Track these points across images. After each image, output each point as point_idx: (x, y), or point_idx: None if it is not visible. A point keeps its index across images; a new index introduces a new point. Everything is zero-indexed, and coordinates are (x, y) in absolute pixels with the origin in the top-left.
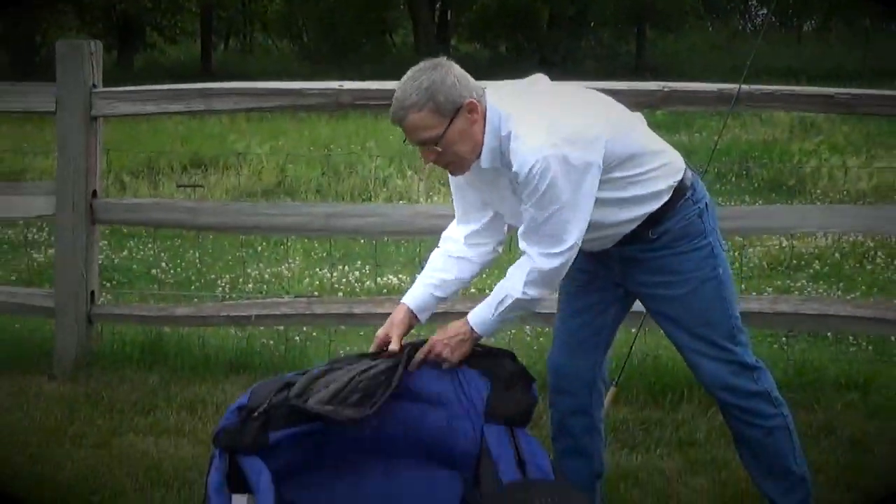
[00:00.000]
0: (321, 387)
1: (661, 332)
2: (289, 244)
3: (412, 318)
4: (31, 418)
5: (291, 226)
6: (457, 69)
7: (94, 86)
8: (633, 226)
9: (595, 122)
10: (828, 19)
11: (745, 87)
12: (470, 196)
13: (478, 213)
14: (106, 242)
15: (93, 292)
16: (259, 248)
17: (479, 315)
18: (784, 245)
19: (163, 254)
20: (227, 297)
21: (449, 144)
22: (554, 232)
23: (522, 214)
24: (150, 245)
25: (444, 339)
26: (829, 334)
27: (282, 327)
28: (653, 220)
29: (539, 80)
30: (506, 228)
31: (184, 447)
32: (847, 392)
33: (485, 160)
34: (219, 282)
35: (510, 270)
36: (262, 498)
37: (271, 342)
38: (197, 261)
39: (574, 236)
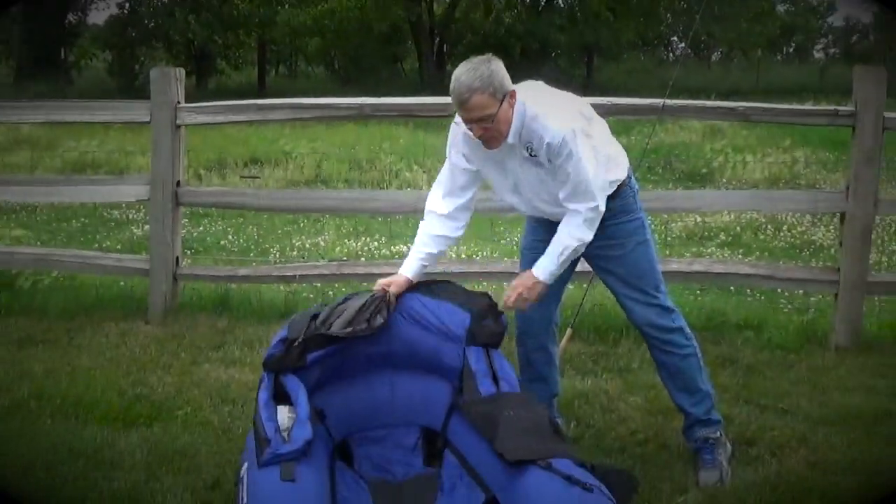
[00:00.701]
0: (338, 315)
1: (604, 285)
2: (324, 221)
3: (408, 282)
4: (132, 352)
5: (326, 207)
6: (502, 65)
7: (179, 102)
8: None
9: (582, 108)
10: (730, 51)
11: (668, 101)
12: (460, 179)
13: (462, 192)
14: (187, 220)
15: (177, 258)
16: (301, 225)
17: (544, 266)
18: (698, 221)
19: (229, 229)
20: (277, 261)
21: (497, 122)
22: (585, 189)
23: (551, 184)
24: (219, 222)
25: (522, 288)
26: (731, 288)
27: (318, 284)
28: (611, 198)
29: (538, 83)
30: (470, 215)
31: (245, 374)
32: (745, 331)
33: (512, 136)
34: (271, 250)
35: (562, 228)
36: (300, 407)
37: (311, 295)
38: (255, 234)
39: (597, 194)
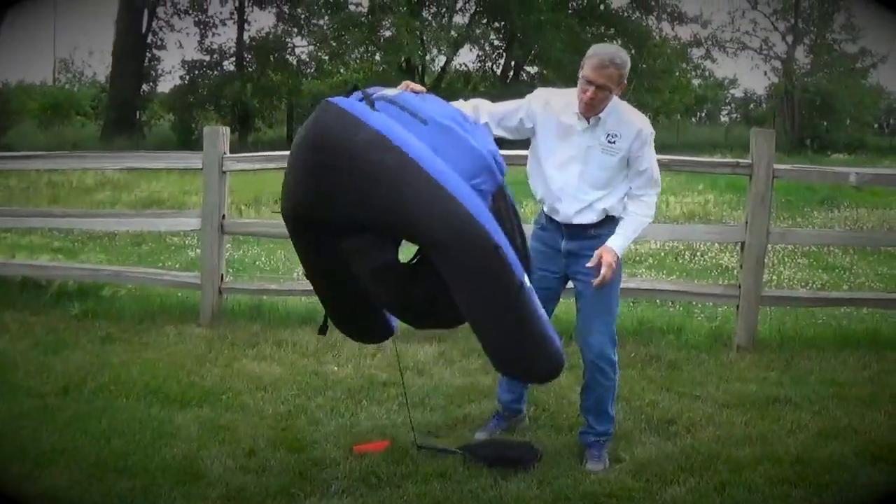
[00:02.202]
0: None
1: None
2: None
3: None
4: (187, 349)
5: None
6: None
7: (225, 153)
8: (600, 214)
9: None
10: (656, 115)
11: None
12: (511, 119)
13: (500, 121)
14: (230, 245)
15: (222, 275)
16: None
17: (619, 244)
18: (632, 248)
19: (262, 252)
20: (300, 278)
21: (607, 95)
22: (656, 177)
23: (610, 171)
24: (255, 247)
25: (611, 265)
26: (657, 301)
27: None
28: (602, 222)
29: None
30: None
31: (274, 368)
32: (667, 334)
33: (602, 115)
34: (295, 269)
35: (633, 210)
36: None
37: None
38: (283, 256)
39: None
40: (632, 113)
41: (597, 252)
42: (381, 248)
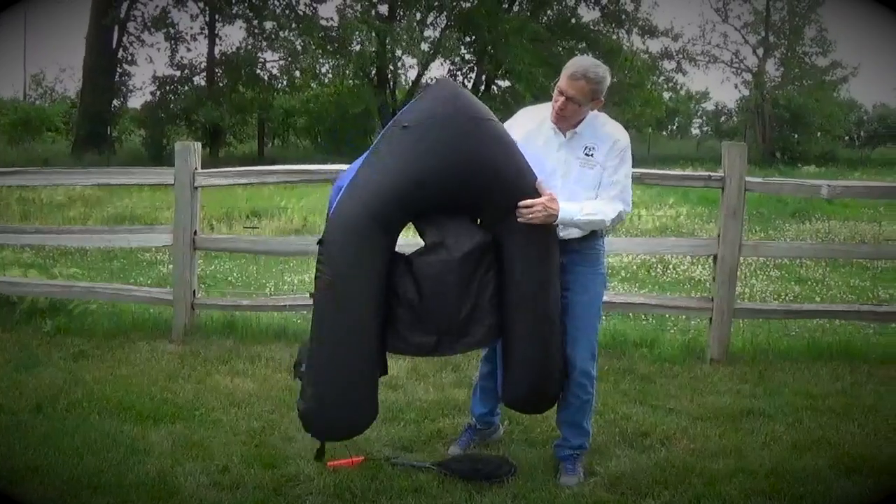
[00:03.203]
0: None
1: None
2: (309, 262)
3: None
4: (159, 366)
5: (311, 251)
6: (609, 79)
7: (196, 169)
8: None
9: None
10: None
11: None
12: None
13: None
14: (201, 261)
15: (194, 291)
16: (292, 264)
17: (567, 209)
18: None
19: (235, 268)
20: (273, 294)
21: (580, 109)
22: (627, 194)
23: (587, 183)
24: (227, 262)
25: (543, 205)
26: (630, 314)
27: (305, 312)
28: (586, 237)
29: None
30: None
31: (248, 384)
32: (640, 348)
33: (579, 128)
34: (267, 284)
35: (594, 202)
36: None
37: (298, 321)
38: (255, 272)
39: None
40: (608, 125)
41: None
42: (468, 233)
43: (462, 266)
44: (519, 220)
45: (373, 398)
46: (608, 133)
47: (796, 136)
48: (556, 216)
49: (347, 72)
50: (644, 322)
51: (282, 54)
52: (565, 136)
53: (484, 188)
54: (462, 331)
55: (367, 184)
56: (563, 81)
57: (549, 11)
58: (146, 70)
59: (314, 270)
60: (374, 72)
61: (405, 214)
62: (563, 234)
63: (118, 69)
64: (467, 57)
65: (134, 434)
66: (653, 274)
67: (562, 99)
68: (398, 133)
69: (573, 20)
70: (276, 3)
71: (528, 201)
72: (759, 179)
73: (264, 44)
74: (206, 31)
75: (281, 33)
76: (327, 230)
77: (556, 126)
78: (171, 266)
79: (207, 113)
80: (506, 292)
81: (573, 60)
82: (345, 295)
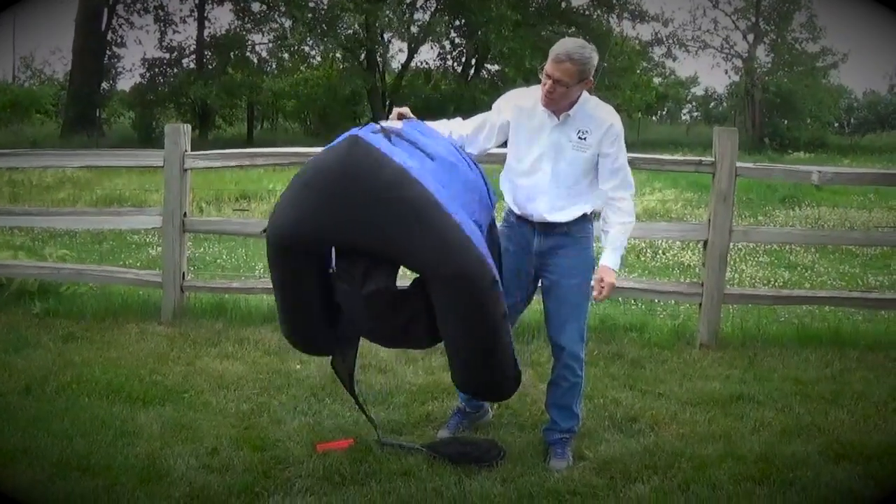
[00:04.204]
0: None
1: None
2: None
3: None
4: (149, 348)
5: None
6: (597, 58)
7: (186, 151)
8: (574, 212)
9: None
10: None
11: None
12: (483, 130)
13: (471, 136)
14: (191, 243)
15: (184, 273)
16: None
17: (614, 260)
18: (594, 247)
19: (224, 250)
20: (262, 276)
21: (568, 91)
22: (629, 178)
23: (580, 169)
24: (216, 245)
25: (610, 284)
26: (619, 299)
27: None
28: (576, 220)
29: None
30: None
31: (237, 366)
32: (630, 332)
33: (570, 111)
34: (256, 267)
35: (614, 222)
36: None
37: None
38: (244, 254)
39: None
40: (601, 109)
41: (596, 276)
42: (383, 274)
43: (370, 301)
44: (597, 300)
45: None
46: (601, 117)
47: (786, 122)
48: (615, 278)
49: (336, 55)
50: (634, 307)
51: (270, 38)
52: (558, 119)
53: (397, 260)
54: (397, 337)
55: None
56: (549, 65)
57: None
58: (135, 52)
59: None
60: (363, 55)
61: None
62: (551, 218)
63: (107, 51)
64: (456, 41)
65: (123, 416)
66: (642, 259)
67: (549, 82)
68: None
69: (563, 4)
70: None
71: (596, 289)
72: (751, 165)
73: (250, 26)
74: (196, 14)
75: (269, 15)
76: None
77: (547, 109)
78: (160, 248)
79: (196, 90)
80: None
81: (558, 43)
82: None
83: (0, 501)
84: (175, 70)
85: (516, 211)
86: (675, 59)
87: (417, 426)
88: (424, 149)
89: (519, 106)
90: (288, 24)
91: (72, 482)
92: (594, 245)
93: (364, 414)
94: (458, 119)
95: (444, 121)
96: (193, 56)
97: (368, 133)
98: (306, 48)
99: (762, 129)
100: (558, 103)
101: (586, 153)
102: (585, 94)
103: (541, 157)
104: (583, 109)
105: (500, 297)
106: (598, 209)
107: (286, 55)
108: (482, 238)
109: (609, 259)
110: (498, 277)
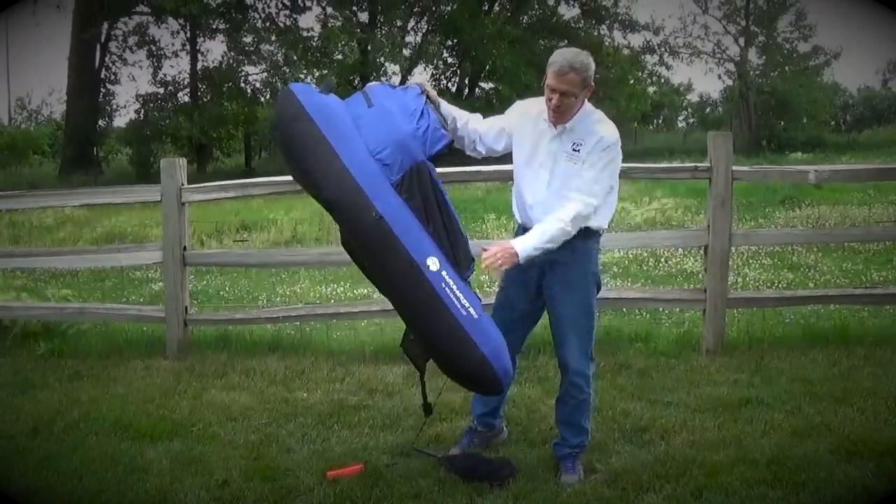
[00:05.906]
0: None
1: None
2: (300, 273)
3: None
4: (154, 382)
5: (301, 262)
6: (594, 64)
7: (183, 184)
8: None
9: None
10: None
11: None
12: (493, 131)
13: (484, 135)
14: (193, 277)
15: (186, 307)
16: (283, 276)
17: (526, 243)
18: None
19: (226, 282)
20: (265, 306)
21: (574, 102)
22: (596, 191)
23: (569, 174)
24: (218, 277)
25: (500, 253)
26: (623, 309)
27: (298, 323)
28: (582, 235)
29: None
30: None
31: (243, 397)
32: (636, 342)
33: (570, 123)
34: (259, 297)
35: (549, 219)
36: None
37: (291, 332)
38: (247, 285)
39: (600, 198)
40: (600, 123)
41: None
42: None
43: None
44: (486, 268)
45: None
46: (596, 131)
47: (782, 123)
48: (518, 256)
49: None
50: (638, 316)
51: (263, 67)
52: (556, 130)
53: (312, 187)
54: None
55: None
56: (552, 79)
57: (529, 11)
58: (129, 88)
59: (305, 281)
60: (357, 80)
61: None
62: (551, 246)
63: (102, 89)
64: (450, 60)
65: (132, 452)
66: (644, 268)
67: (556, 96)
68: None
69: (554, 18)
70: (255, 16)
71: (488, 252)
72: (747, 168)
73: (244, 59)
74: (188, 48)
75: (261, 46)
76: None
77: (550, 121)
78: (162, 283)
79: (190, 127)
80: None
81: (555, 55)
82: None
83: None
84: (170, 104)
85: (519, 220)
86: (668, 68)
87: (428, 448)
88: (371, 98)
89: (525, 113)
90: (281, 53)
91: None
92: (598, 259)
93: (423, 399)
94: (478, 115)
95: (467, 112)
96: (188, 90)
97: (305, 84)
98: (301, 77)
99: (759, 132)
100: (566, 115)
101: (577, 165)
102: (590, 106)
103: (540, 167)
104: (584, 123)
105: (398, 237)
106: (602, 226)
107: (279, 84)
108: (377, 175)
109: (520, 240)
110: (386, 215)
